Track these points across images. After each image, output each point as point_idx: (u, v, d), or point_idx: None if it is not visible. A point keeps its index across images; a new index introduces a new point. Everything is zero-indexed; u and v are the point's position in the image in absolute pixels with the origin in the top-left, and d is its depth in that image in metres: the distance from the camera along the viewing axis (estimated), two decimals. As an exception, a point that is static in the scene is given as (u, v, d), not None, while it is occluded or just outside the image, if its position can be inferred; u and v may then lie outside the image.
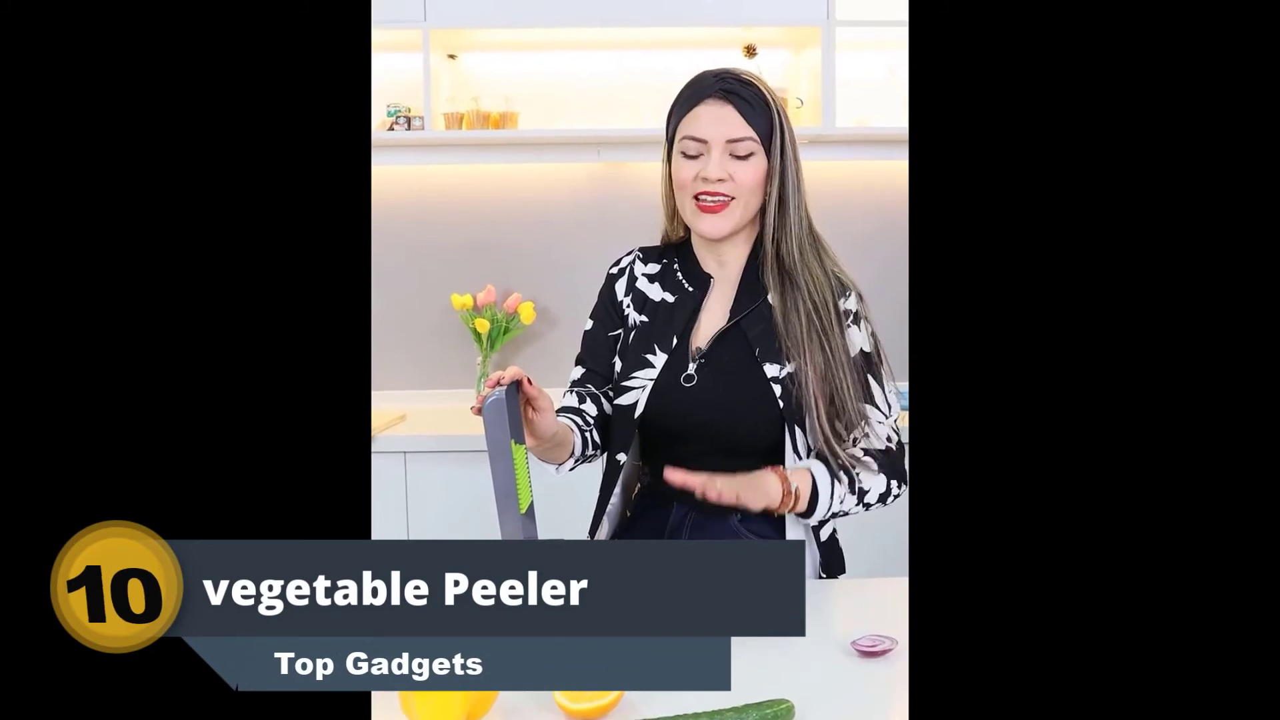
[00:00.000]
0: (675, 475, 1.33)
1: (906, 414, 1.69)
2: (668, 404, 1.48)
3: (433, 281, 2.87)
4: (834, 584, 1.49)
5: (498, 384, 1.25)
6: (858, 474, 1.41)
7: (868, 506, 1.45)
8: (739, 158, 1.41)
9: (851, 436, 1.42)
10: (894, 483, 1.45)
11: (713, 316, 1.51)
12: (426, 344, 2.89)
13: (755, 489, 1.35)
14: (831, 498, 1.40)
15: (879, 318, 1.59)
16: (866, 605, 1.37)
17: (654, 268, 1.57)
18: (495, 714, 1.05)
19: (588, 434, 1.53)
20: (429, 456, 2.46)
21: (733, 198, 1.42)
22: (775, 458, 1.45)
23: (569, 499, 1.87)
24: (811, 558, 1.50)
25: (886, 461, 1.44)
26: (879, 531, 2.07)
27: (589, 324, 1.61)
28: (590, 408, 1.56)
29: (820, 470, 1.40)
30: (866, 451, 1.43)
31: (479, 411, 1.21)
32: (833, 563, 1.53)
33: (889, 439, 1.45)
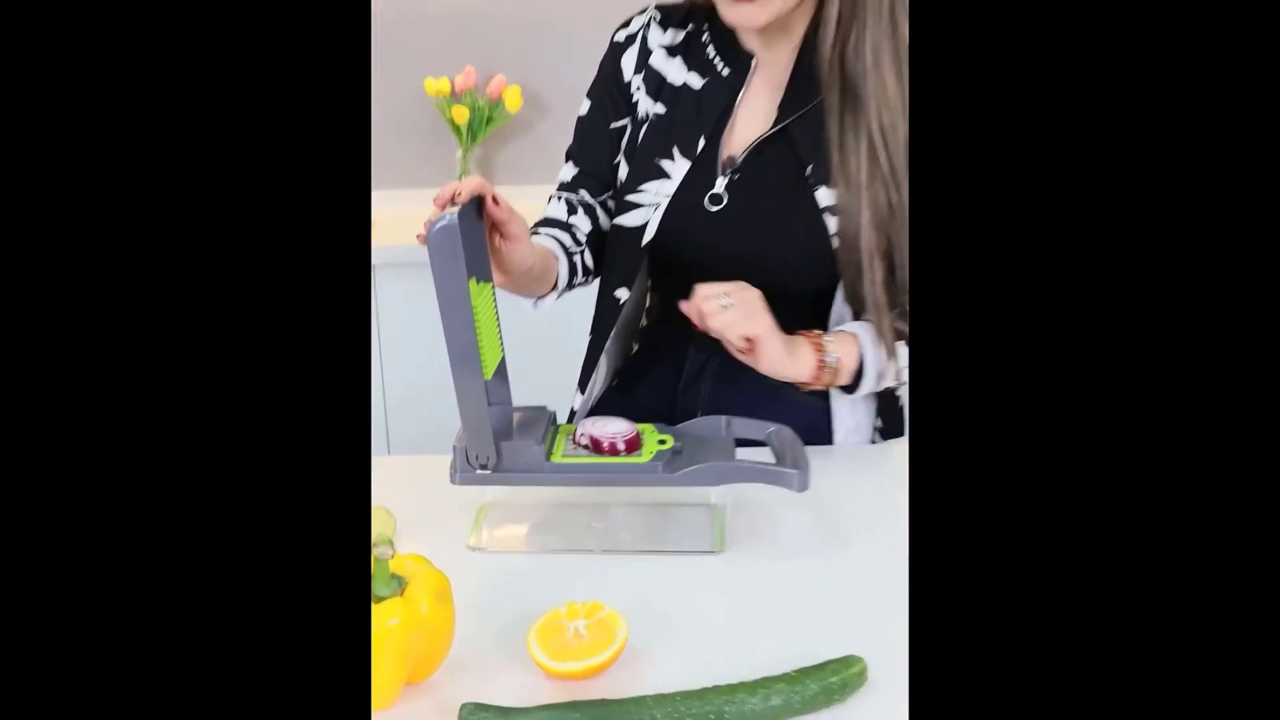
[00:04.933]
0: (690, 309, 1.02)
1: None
2: (687, 231, 1.13)
3: (402, 63, 2.43)
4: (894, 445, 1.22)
5: (451, 203, 0.90)
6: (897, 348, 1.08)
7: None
8: None
9: (899, 303, 1.08)
10: None
11: (753, 114, 1.14)
12: (396, 138, 2.48)
13: (778, 352, 1.02)
14: (878, 372, 1.08)
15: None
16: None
17: (675, 36, 1.19)
18: (470, 675, 0.78)
19: (576, 257, 1.18)
20: (399, 271, 2.11)
21: None
22: (820, 309, 1.12)
23: (550, 337, 1.54)
24: (869, 415, 1.20)
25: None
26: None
27: (585, 106, 1.24)
28: (582, 221, 1.21)
29: (867, 335, 1.07)
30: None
31: (425, 240, 0.86)
32: (892, 423, 1.23)
33: None
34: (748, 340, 1.01)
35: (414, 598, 0.73)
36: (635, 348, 1.35)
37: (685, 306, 1.03)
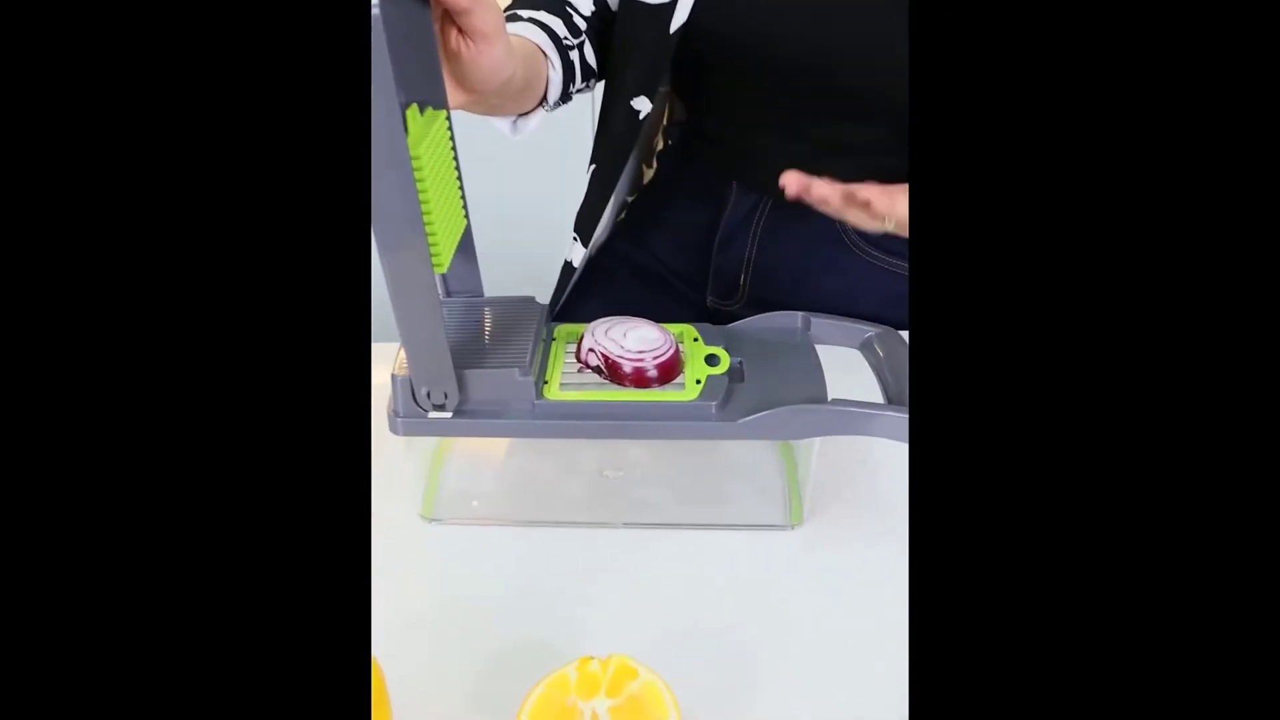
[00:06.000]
0: (792, 182, 0.67)
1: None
2: (736, 12, 0.78)
3: None
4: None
5: None
6: None
7: None
8: None
9: None
10: None
11: None
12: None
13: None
14: None
15: None
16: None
17: None
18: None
19: (573, 52, 0.83)
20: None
21: None
22: None
23: (532, 161, 1.18)
24: None
25: None
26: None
27: None
28: (582, 0, 0.84)
29: None
30: None
31: None
32: None
33: None
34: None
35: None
36: (649, 175, 1.01)
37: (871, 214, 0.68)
